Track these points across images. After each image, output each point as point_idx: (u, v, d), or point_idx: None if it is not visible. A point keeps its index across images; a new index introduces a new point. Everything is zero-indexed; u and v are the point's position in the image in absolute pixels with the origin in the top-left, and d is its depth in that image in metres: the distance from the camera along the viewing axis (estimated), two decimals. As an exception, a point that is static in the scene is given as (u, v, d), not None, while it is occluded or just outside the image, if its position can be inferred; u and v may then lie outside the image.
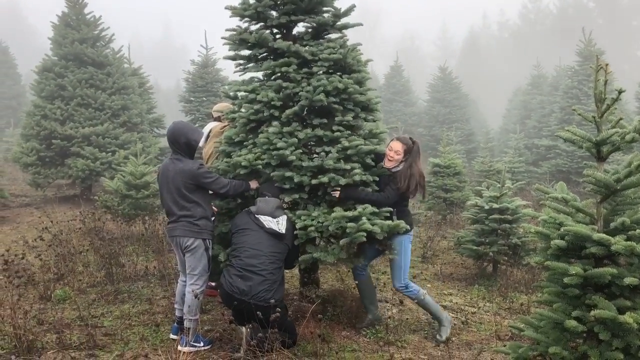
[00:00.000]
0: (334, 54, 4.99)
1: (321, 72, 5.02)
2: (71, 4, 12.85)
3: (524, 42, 64.41)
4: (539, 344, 3.43)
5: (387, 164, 5.01)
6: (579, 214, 3.52)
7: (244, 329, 4.42)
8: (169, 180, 4.58)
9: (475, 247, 7.07)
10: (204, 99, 17.15)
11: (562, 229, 3.32)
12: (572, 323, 3.14)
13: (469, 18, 76.70)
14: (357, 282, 5.21)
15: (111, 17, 18.55)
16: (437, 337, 5.02)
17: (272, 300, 4.21)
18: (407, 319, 5.50)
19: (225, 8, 5.26)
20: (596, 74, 3.52)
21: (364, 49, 5.51)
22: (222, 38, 5.29)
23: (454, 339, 5.07)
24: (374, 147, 4.95)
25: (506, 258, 7.11)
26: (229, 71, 18.79)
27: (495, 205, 7.05)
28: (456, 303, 6.19)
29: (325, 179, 4.66)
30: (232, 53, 5.38)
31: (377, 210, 4.71)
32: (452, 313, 5.80)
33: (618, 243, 3.09)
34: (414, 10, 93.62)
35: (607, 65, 3.51)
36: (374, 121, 5.28)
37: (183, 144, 4.61)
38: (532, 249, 7.01)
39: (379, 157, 5.09)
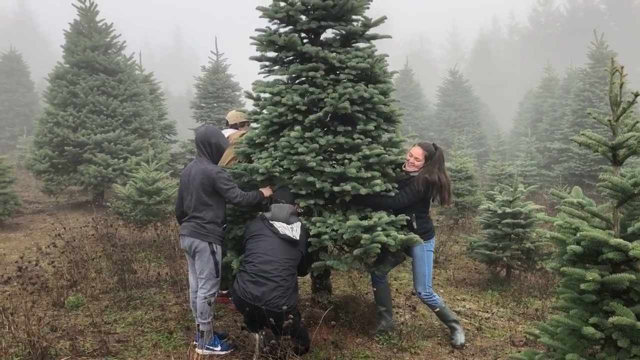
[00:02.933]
0: (361, 63, 4.95)
1: (347, 80, 4.97)
2: (83, 12, 12.95)
3: (535, 45, 64.01)
4: (556, 350, 3.38)
5: (407, 168, 4.98)
6: (595, 219, 3.47)
7: (257, 335, 4.41)
8: (189, 180, 4.67)
9: (488, 252, 7.01)
10: (215, 105, 17.20)
11: (578, 234, 3.27)
12: (589, 330, 3.10)
13: (479, 21, 76.52)
14: (375, 288, 5.18)
15: (122, 25, 18.69)
16: (453, 341, 4.98)
17: (285, 307, 4.19)
18: (420, 324, 5.46)
19: (257, 9, 5.29)
20: (611, 77, 3.47)
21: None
22: (251, 37, 5.29)
23: (467, 344, 5.02)
24: (395, 157, 4.91)
25: (519, 263, 7.04)
26: (240, 77, 18.73)
27: (508, 210, 6.99)
28: (469, 308, 6.13)
29: (347, 187, 4.62)
30: (258, 54, 5.37)
31: (393, 218, 4.67)
32: (466, 319, 5.76)
33: (636, 248, 3.04)
34: (424, 14, 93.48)
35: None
36: (394, 132, 5.24)
37: (214, 144, 4.71)
38: (545, 253, 6.94)
39: (400, 167, 5.06)
